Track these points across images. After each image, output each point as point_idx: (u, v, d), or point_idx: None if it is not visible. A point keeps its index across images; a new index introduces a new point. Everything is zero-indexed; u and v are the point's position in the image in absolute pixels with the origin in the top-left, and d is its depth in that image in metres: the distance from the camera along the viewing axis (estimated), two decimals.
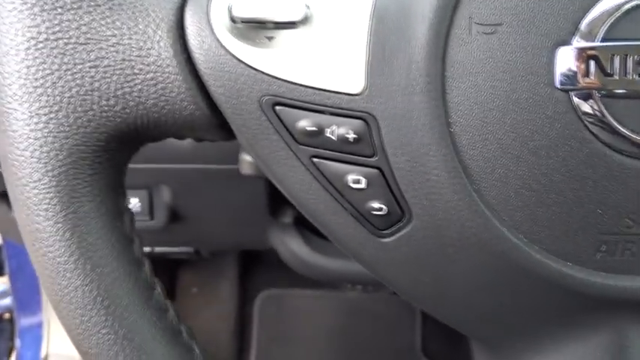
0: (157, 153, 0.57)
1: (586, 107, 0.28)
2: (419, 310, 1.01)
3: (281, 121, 0.29)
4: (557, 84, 0.27)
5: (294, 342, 1.05)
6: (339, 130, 0.29)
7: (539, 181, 0.28)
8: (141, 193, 0.62)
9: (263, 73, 0.29)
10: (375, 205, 0.29)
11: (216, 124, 0.31)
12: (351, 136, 0.29)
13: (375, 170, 0.29)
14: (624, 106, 0.27)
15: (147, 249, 0.78)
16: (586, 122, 0.28)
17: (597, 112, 0.27)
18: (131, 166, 0.60)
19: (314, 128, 0.29)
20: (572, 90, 0.27)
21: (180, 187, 0.62)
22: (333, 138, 0.29)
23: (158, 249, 0.78)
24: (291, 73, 0.29)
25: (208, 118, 0.30)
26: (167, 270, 1.04)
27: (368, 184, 0.29)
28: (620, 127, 0.28)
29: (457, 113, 0.28)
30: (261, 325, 1.06)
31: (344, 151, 0.29)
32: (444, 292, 0.31)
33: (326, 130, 0.29)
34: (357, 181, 0.29)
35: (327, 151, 0.29)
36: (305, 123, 0.29)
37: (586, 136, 0.28)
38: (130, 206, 0.63)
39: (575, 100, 0.28)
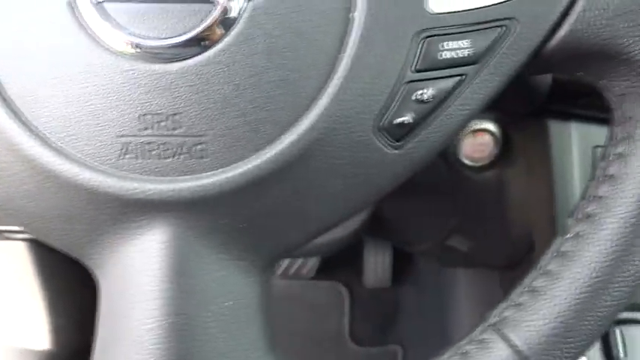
0: None
1: (89, 16, 0.28)
2: (347, 296, 1.01)
3: None
4: None
5: None
6: None
7: (57, 89, 0.29)
8: None
9: None
10: None
11: None
12: None
13: None
14: (123, 10, 0.28)
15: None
16: (89, 30, 0.28)
17: (100, 20, 0.28)
18: None
19: None
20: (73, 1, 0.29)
21: None
22: None
23: None
24: None
25: None
26: None
27: None
28: (119, 32, 0.28)
29: None
30: None
31: None
32: (20, 209, 0.30)
33: None
34: None
35: None
36: None
37: (90, 43, 0.29)
38: None
39: (78, 9, 0.28)
